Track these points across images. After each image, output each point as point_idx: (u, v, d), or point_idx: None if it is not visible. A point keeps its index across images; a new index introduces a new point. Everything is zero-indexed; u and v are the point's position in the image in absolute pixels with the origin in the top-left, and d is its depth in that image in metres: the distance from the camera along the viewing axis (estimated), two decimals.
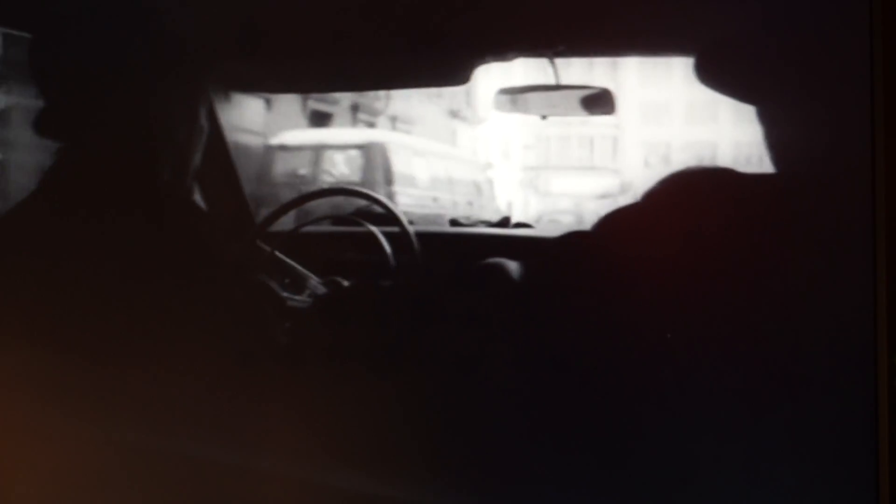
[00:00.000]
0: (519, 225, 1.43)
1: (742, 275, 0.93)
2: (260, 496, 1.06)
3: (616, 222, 1.05)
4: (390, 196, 1.50)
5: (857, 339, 0.86)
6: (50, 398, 1.11)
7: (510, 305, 1.11)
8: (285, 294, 1.25)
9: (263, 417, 1.07)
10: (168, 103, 1.23)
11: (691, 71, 1.04)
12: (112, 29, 1.18)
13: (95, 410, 1.11)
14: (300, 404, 1.07)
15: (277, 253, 1.27)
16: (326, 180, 1.54)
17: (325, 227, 1.39)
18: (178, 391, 1.08)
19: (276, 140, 1.52)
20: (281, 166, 1.52)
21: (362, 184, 1.56)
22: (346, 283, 1.25)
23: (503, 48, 1.33)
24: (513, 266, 1.14)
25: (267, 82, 1.30)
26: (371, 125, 1.61)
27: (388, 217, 1.30)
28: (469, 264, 1.18)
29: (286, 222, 1.33)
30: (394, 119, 1.63)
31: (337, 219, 1.38)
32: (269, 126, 1.49)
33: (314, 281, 1.26)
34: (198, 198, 1.26)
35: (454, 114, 1.64)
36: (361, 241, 1.29)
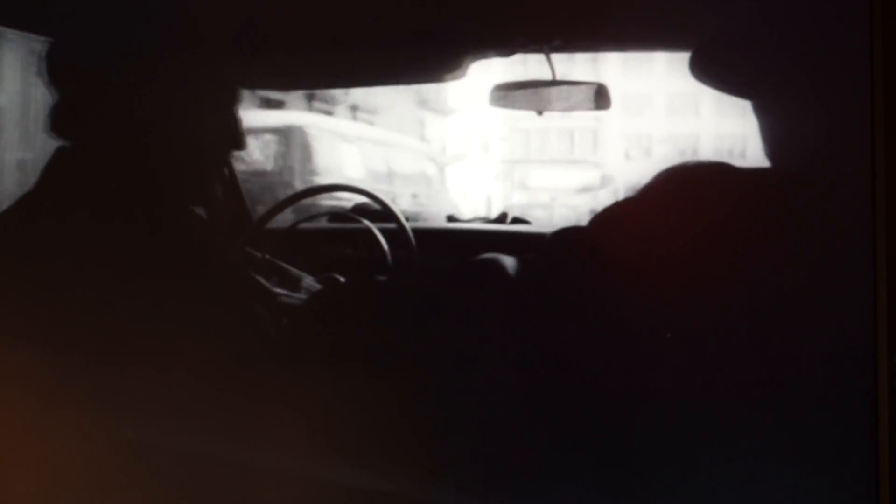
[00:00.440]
0: (516, 221, 1.43)
1: (742, 274, 0.93)
2: (258, 492, 1.06)
3: (614, 219, 1.05)
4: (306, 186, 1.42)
5: (857, 339, 0.86)
6: (50, 396, 1.11)
7: (506, 301, 1.11)
8: (282, 291, 1.25)
9: (262, 414, 1.06)
10: (175, 101, 1.22)
11: (689, 68, 1.04)
12: (118, 28, 1.18)
13: (96, 408, 1.11)
14: (298, 401, 1.07)
15: (271, 253, 1.27)
16: (239, 168, 1.41)
17: (323, 224, 1.39)
18: (177, 389, 1.08)
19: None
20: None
21: (278, 172, 1.50)
22: (343, 280, 1.25)
23: (498, 43, 1.33)
24: (509, 261, 1.14)
25: (264, 79, 1.30)
26: (328, 114, 1.51)
27: (386, 214, 1.30)
28: (465, 260, 1.19)
29: (282, 219, 1.32)
30: (354, 108, 1.54)
31: (334, 215, 1.38)
32: None
33: (311, 278, 1.26)
34: (197, 198, 1.26)
35: (422, 103, 1.57)
36: (359, 238, 1.29)
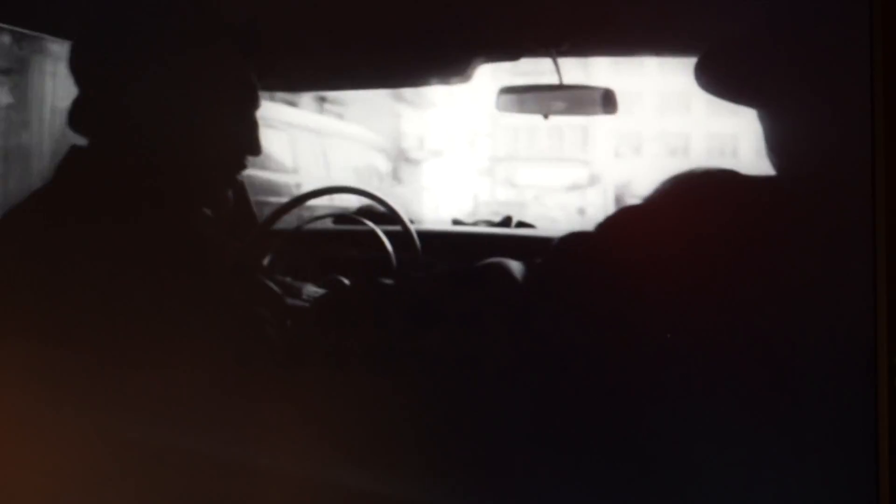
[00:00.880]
0: (521, 224, 1.43)
1: (742, 275, 0.93)
2: (261, 494, 1.06)
3: (616, 223, 1.05)
4: None
5: (857, 339, 0.86)
6: (51, 396, 1.12)
7: (512, 305, 1.11)
8: (286, 293, 1.25)
9: (264, 415, 1.07)
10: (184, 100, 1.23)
11: (690, 73, 1.04)
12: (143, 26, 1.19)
13: (97, 408, 1.12)
14: (302, 403, 1.07)
15: (276, 255, 1.27)
16: None
17: (327, 226, 1.39)
18: (180, 390, 1.08)
19: None
20: None
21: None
22: (347, 282, 1.25)
23: (505, 46, 1.34)
24: (515, 265, 1.14)
25: (268, 80, 1.30)
26: (292, 104, 1.43)
27: (390, 216, 1.30)
28: (471, 263, 1.19)
29: (286, 221, 1.33)
30: (321, 100, 1.48)
31: (338, 217, 1.38)
32: None
33: (315, 281, 1.27)
34: (209, 201, 1.26)
35: (398, 96, 1.49)
36: (363, 240, 1.30)
